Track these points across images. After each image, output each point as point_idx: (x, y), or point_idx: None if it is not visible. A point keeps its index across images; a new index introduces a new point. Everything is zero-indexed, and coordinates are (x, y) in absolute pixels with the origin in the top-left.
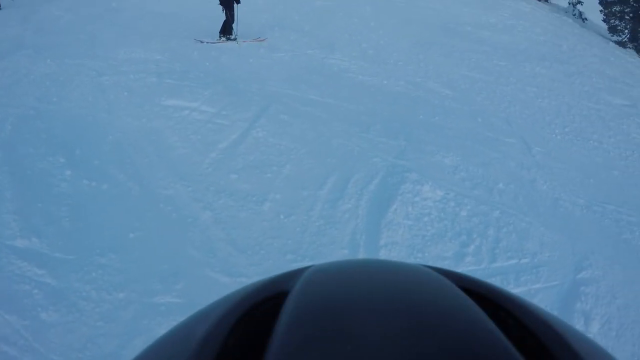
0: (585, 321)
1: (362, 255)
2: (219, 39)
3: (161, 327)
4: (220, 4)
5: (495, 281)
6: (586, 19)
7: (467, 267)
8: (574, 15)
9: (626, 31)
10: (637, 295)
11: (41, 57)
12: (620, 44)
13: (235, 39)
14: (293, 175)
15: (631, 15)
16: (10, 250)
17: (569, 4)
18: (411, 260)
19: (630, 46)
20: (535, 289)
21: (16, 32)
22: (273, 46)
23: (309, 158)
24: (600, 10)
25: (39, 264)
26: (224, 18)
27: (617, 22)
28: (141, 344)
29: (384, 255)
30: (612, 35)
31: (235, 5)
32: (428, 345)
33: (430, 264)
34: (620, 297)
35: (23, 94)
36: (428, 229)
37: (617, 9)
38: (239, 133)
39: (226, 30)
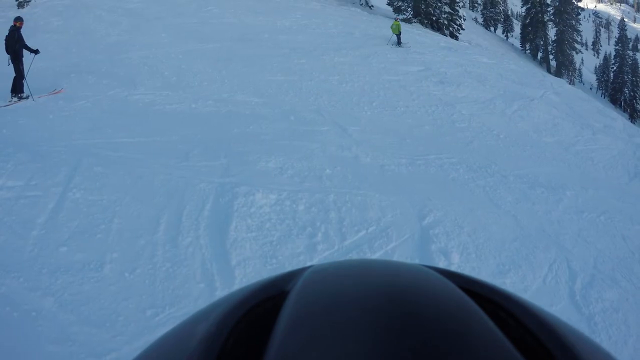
0: (446, 257)
1: (218, 283)
2: (10, 99)
3: None
4: (7, 53)
5: (353, 255)
6: (372, 6)
7: (323, 254)
8: (362, 5)
9: (409, 9)
10: (479, 218)
11: None
12: (406, 20)
13: (28, 97)
14: (124, 228)
15: None
16: None
17: None
18: (268, 267)
19: (415, 20)
20: (391, 248)
21: None
22: (72, 95)
23: (135, 205)
24: None
25: None
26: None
27: (400, 3)
28: None
29: (240, 272)
30: (398, 15)
31: (23, 58)
32: (428, 346)
33: (287, 263)
34: (466, 225)
35: None
36: (273, 233)
37: None
38: (55, 200)
39: (17, 88)
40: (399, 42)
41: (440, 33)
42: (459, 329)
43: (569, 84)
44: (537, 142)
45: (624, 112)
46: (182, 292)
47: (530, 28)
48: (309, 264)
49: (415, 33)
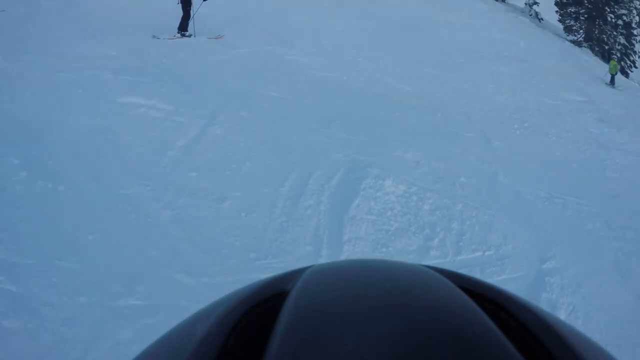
0: (552, 310)
1: (325, 251)
2: (175, 34)
3: (126, 331)
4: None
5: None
6: (542, 19)
7: (432, 261)
8: (531, 15)
9: (581, 31)
10: (600, 284)
11: None
12: (576, 43)
13: (190, 36)
14: (253, 172)
15: (586, 16)
16: None
17: (526, 4)
18: (376, 255)
19: (585, 45)
20: (501, 280)
21: None
22: (231, 43)
23: (269, 155)
24: (556, 11)
25: None
26: (182, 14)
27: (572, 22)
28: (106, 348)
29: (348, 249)
30: (568, 35)
31: (193, 1)
32: (428, 346)
33: (395, 258)
34: (585, 287)
35: None
36: (391, 223)
37: (572, 10)
38: (198, 131)
39: (182, 26)
40: (612, 82)
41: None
42: (459, 329)
43: None
44: None
45: None
46: (288, 247)
47: None
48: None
49: (583, 59)
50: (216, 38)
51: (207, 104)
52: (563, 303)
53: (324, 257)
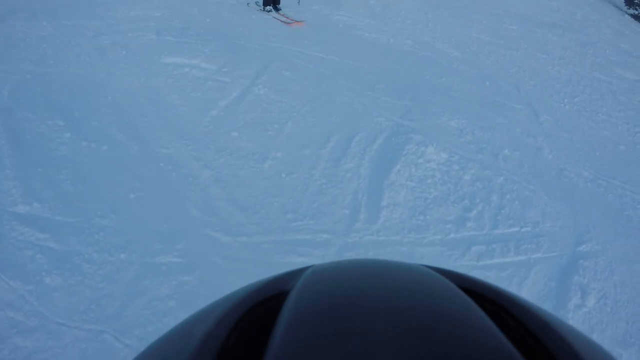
0: (582, 294)
1: (363, 214)
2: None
3: (163, 287)
4: None
5: (496, 248)
6: None
7: (469, 232)
8: None
9: None
10: (634, 273)
11: (36, 19)
12: (636, 17)
13: (270, 12)
14: (295, 133)
15: None
16: (12, 217)
17: None
18: (414, 220)
19: None
20: (535, 258)
21: None
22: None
23: (312, 116)
24: None
25: (41, 228)
26: None
27: None
28: (142, 304)
29: (385, 215)
30: (629, 8)
31: None
32: (428, 346)
33: (431, 226)
34: (618, 274)
35: (19, 58)
36: (431, 191)
37: None
38: (240, 90)
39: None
40: None
41: None
42: (459, 329)
43: None
44: None
45: None
46: (326, 209)
47: None
48: (452, 236)
49: None
50: (292, 23)
51: (250, 63)
52: (594, 288)
53: (361, 221)
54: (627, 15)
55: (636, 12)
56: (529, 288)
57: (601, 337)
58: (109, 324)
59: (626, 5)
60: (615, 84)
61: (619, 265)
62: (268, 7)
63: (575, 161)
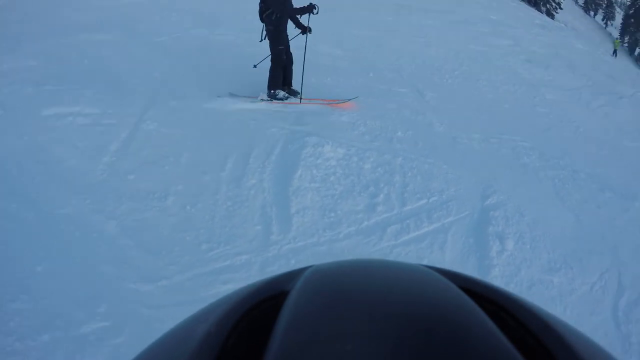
0: (500, 241)
1: (275, 227)
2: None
3: (97, 357)
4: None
5: (410, 223)
6: None
7: (380, 216)
8: None
9: None
10: (542, 209)
11: None
12: None
13: (287, 98)
14: (192, 162)
15: None
16: None
17: None
18: (326, 219)
19: None
20: (448, 222)
21: None
22: (150, 31)
23: (206, 141)
24: None
25: None
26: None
27: None
28: None
29: (298, 220)
30: None
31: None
32: (428, 346)
33: (344, 219)
34: (528, 215)
35: None
36: (336, 187)
37: None
38: (129, 130)
39: (274, 82)
40: (614, 54)
41: (536, 9)
42: (459, 329)
43: None
44: (617, 144)
45: None
46: (239, 231)
47: (632, 20)
48: (365, 223)
49: (511, 5)
50: (339, 103)
51: (135, 99)
52: (509, 233)
53: (276, 233)
54: None
55: None
56: (450, 250)
57: (530, 272)
58: None
59: None
60: (490, 52)
61: (526, 207)
62: (281, 94)
63: (465, 127)
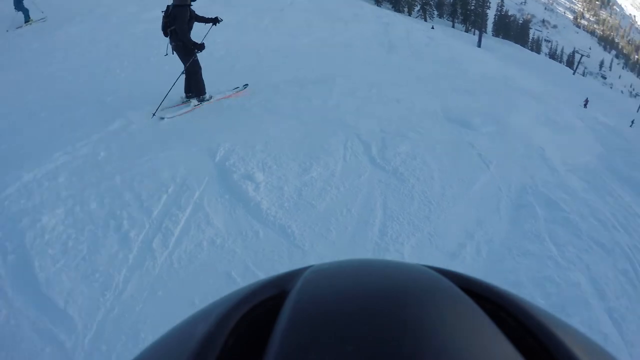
0: (251, 180)
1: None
2: (191, 102)
3: None
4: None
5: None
6: None
7: (138, 238)
8: None
9: None
10: (266, 132)
11: None
12: None
13: (211, 98)
14: None
15: None
16: None
17: None
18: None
19: None
20: (197, 196)
21: None
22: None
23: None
24: None
25: None
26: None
27: None
28: None
29: None
30: None
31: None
32: (428, 346)
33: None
34: (257, 144)
35: None
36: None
37: None
38: None
39: (197, 87)
40: None
41: None
42: (460, 329)
43: None
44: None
45: None
46: None
47: None
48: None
49: None
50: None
51: None
52: (252, 167)
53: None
54: None
55: None
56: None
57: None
58: None
59: None
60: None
61: (253, 139)
62: (207, 95)
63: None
